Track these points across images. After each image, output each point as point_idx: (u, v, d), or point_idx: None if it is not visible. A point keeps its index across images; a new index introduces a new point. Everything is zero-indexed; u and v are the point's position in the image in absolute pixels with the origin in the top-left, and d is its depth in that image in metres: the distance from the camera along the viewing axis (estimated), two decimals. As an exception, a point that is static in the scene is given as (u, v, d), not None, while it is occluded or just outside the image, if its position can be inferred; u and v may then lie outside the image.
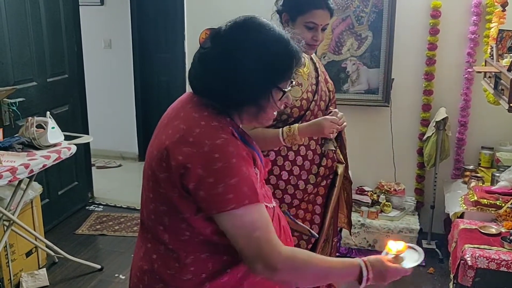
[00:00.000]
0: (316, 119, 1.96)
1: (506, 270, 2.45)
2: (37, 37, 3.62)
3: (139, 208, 4.14)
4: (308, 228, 1.85)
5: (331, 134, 1.95)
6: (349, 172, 2.34)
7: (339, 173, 2.18)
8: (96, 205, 4.46)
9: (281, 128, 1.95)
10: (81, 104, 4.34)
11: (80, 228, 4.00)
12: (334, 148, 2.07)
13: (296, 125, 1.95)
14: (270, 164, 2.06)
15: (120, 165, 5.64)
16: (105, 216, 4.24)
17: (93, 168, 4.85)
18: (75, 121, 4.16)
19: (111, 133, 5.52)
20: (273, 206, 1.36)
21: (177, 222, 1.22)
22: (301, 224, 1.86)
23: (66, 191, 4.13)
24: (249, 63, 1.19)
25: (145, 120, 5.65)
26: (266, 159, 1.42)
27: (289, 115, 2.02)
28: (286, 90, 1.26)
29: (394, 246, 1.31)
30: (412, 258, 1.31)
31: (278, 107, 1.29)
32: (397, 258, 1.30)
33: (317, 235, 1.66)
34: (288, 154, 2.09)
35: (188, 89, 1.34)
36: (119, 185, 4.99)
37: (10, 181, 2.46)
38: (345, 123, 2.05)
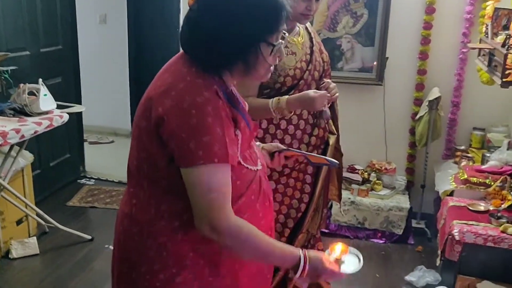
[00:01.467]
0: (306, 93, 1.95)
1: (493, 245, 2.48)
2: (30, 6, 3.59)
3: (131, 183, 3.99)
4: (326, 158, 1.85)
5: (323, 107, 1.95)
6: (340, 144, 2.35)
7: (330, 144, 2.19)
8: (87, 179, 4.46)
9: (270, 99, 1.95)
10: (74, 77, 4.31)
11: (71, 200, 4.00)
12: (328, 116, 2.06)
13: (285, 97, 1.96)
14: (262, 132, 2.08)
15: (112, 141, 5.62)
16: (97, 189, 4.24)
17: (86, 144, 4.85)
18: (68, 93, 4.13)
19: (104, 109, 5.49)
20: (257, 169, 1.37)
21: (154, 170, 1.26)
22: (319, 156, 1.91)
23: (58, 163, 4.13)
24: (232, 17, 1.19)
25: (139, 97, 5.46)
26: (255, 123, 1.42)
27: (282, 84, 2.03)
28: (275, 44, 1.25)
29: (338, 248, 1.32)
30: (352, 264, 1.33)
31: (270, 62, 1.28)
32: (338, 261, 1.31)
33: (337, 163, 1.71)
34: (280, 123, 2.09)
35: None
36: (111, 160, 4.98)
37: (0, 145, 2.45)
38: (337, 94, 2.06)
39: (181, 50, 1.33)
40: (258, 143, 1.57)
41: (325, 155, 2.19)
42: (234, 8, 1.19)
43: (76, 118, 4.26)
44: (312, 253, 1.30)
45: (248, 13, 1.19)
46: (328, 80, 2.10)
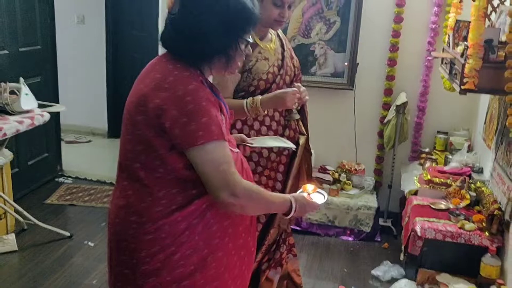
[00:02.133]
0: (278, 91, 2.09)
1: (451, 240, 2.67)
2: (9, 6, 3.64)
3: (109, 181, 4.27)
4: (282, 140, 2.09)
5: (294, 106, 2.09)
6: (310, 145, 2.50)
7: (300, 144, 2.33)
8: (65, 177, 4.52)
9: (245, 100, 2.08)
10: (52, 77, 4.37)
11: (49, 198, 4.06)
12: (298, 117, 2.20)
13: (259, 97, 2.08)
14: (237, 132, 2.21)
15: (90, 141, 5.68)
16: (75, 187, 4.31)
17: (63, 143, 4.88)
18: (47, 93, 4.18)
19: (81, 109, 5.54)
20: (237, 151, 1.57)
21: (152, 160, 1.40)
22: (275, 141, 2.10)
23: (35, 162, 4.18)
24: (216, 21, 1.37)
25: (116, 97, 5.67)
26: (231, 111, 1.62)
27: (256, 87, 2.15)
28: (249, 39, 1.47)
29: (309, 188, 1.66)
30: (320, 198, 1.65)
31: (245, 53, 1.49)
32: (309, 197, 1.63)
33: (293, 146, 2.05)
34: (254, 124, 2.22)
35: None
36: (88, 159, 5.05)
37: (-17, 142, 2.52)
38: (307, 97, 2.20)
39: (161, 52, 1.49)
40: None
41: (295, 155, 2.32)
42: (219, 14, 1.38)
43: (54, 117, 4.30)
44: (296, 194, 1.60)
45: (230, 17, 1.39)
46: (299, 84, 2.24)
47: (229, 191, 1.37)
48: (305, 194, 1.63)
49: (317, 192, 1.67)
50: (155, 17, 4.53)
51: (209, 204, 1.44)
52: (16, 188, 3.63)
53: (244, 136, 1.85)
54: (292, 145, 2.01)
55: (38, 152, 4.23)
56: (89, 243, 3.43)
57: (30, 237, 3.45)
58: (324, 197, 1.66)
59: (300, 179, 2.42)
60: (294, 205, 1.54)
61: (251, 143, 1.80)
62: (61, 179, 4.48)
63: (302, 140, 2.34)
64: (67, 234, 3.46)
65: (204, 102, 1.35)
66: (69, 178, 4.52)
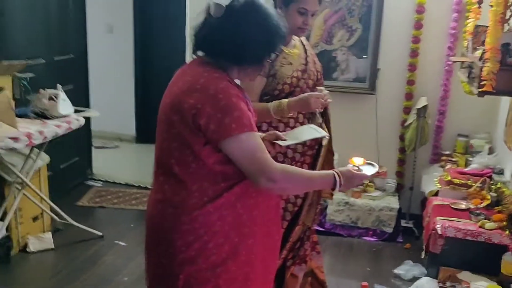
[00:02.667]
0: (303, 95, 2.20)
1: (471, 238, 2.74)
2: (45, 17, 3.85)
3: (137, 185, 4.44)
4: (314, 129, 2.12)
5: (317, 109, 2.20)
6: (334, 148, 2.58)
7: (323, 145, 2.41)
8: (95, 181, 4.70)
9: (271, 103, 2.19)
10: (84, 85, 4.57)
11: (80, 200, 4.24)
12: (320, 121, 2.32)
13: (286, 100, 2.20)
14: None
15: (117, 146, 5.87)
16: (104, 190, 4.48)
17: (92, 148, 5.06)
18: (79, 100, 4.33)
19: (110, 115, 5.65)
20: None
21: (186, 156, 1.53)
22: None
23: (67, 166, 4.36)
24: (261, 35, 1.54)
25: (143, 104, 5.88)
26: (255, 109, 1.73)
27: (280, 91, 2.26)
28: (278, 52, 1.66)
29: (357, 160, 1.71)
30: (370, 170, 1.70)
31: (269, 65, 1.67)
32: (359, 170, 1.68)
33: (326, 133, 2.10)
34: (278, 125, 2.32)
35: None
36: (116, 164, 5.23)
37: (26, 144, 2.70)
38: (329, 100, 2.30)
39: (188, 59, 1.62)
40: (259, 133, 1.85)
41: (319, 155, 2.41)
42: (261, 26, 1.54)
43: (85, 124, 4.48)
44: (341, 168, 1.64)
45: (269, 30, 1.56)
46: (321, 88, 2.33)
47: (265, 176, 1.49)
48: (353, 167, 1.67)
49: (367, 164, 1.72)
50: (182, 25, 4.68)
51: (238, 196, 1.56)
52: (50, 190, 3.79)
53: (278, 132, 1.92)
54: (325, 133, 2.07)
55: (70, 157, 4.41)
56: (120, 242, 3.58)
57: (64, 236, 3.61)
58: (374, 166, 1.70)
59: None
60: (338, 179, 1.59)
61: (284, 139, 1.88)
62: (91, 183, 4.66)
63: (324, 141, 2.42)
64: (99, 233, 3.62)
65: (234, 98, 1.49)
66: (98, 182, 4.70)
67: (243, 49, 1.53)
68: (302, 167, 2.40)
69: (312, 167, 2.42)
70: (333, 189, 1.63)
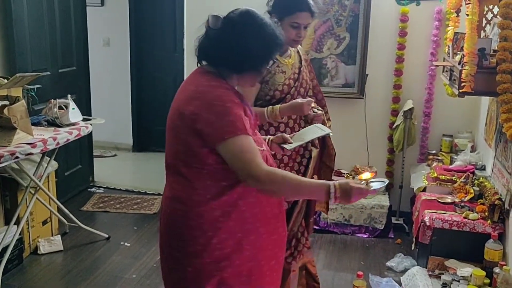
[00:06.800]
0: (296, 100, 2.37)
1: (457, 229, 2.96)
2: (51, 32, 4.05)
3: (137, 191, 4.65)
4: (320, 127, 2.23)
5: (309, 112, 2.38)
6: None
7: (312, 156, 2.55)
8: (97, 187, 4.87)
9: (266, 107, 2.38)
10: (86, 95, 4.75)
11: (85, 206, 4.41)
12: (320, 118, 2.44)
13: (278, 105, 2.37)
14: (264, 133, 2.51)
15: (115, 155, 6.03)
16: (107, 196, 4.65)
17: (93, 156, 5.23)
18: (81, 109, 4.48)
19: (107, 125, 5.80)
20: (264, 149, 1.78)
21: (189, 157, 1.66)
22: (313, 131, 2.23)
23: (71, 173, 4.53)
24: (259, 44, 1.66)
25: (140, 114, 6.07)
26: (255, 113, 1.86)
27: (272, 97, 2.42)
28: (275, 60, 1.81)
29: (364, 176, 1.65)
30: (377, 184, 1.61)
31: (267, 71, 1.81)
32: (367, 183, 1.60)
33: (329, 131, 2.20)
34: (269, 129, 2.48)
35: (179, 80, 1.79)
36: (115, 172, 5.40)
37: (42, 150, 2.88)
38: (321, 117, 2.46)
39: (186, 69, 1.79)
40: (268, 136, 2.03)
41: (308, 166, 2.53)
42: (258, 36, 1.66)
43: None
44: (341, 180, 1.60)
45: (266, 40, 1.67)
46: (310, 99, 2.43)
47: (252, 177, 1.58)
48: (361, 181, 1.60)
49: (375, 180, 1.62)
50: (178, 38, 4.88)
51: (240, 194, 1.67)
52: (56, 196, 3.97)
53: (285, 135, 2.04)
54: (329, 130, 2.18)
55: (74, 164, 4.58)
56: (126, 243, 3.75)
57: (72, 238, 3.79)
58: (383, 182, 1.61)
59: None
60: (333, 191, 1.55)
61: (291, 143, 1.99)
62: (93, 189, 4.83)
63: (314, 153, 2.55)
64: (106, 235, 3.79)
65: (229, 104, 1.59)
66: (100, 188, 4.86)
67: (241, 59, 1.64)
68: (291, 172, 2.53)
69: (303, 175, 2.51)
70: (328, 198, 1.56)
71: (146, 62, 5.99)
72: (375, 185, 1.60)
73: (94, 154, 5.73)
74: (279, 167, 2.40)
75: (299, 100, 2.36)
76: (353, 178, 4.10)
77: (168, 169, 1.78)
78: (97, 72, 5.61)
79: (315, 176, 2.61)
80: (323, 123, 2.49)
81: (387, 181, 1.65)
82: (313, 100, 2.40)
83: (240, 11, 1.70)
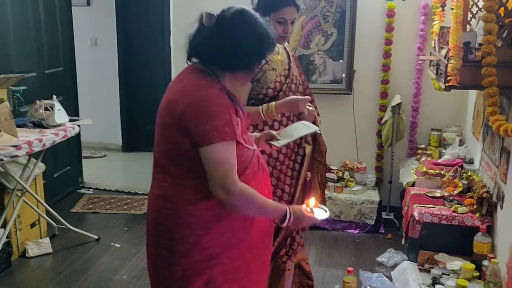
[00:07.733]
0: (291, 97, 2.36)
1: (446, 222, 2.97)
2: (36, 33, 4.01)
3: (127, 191, 4.62)
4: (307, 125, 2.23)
5: (305, 109, 2.37)
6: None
7: (306, 153, 2.55)
8: (86, 189, 4.84)
9: (261, 106, 2.37)
10: (73, 96, 4.72)
11: (74, 207, 4.38)
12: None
13: (273, 102, 2.36)
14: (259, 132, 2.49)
15: (105, 155, 6.00)
16: (96, 197, 4.62)
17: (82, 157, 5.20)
18: (68, 110, 4.47)
19: (96, 126, 5.78)
20: (254, 148, 1.78)
21: (178, 156, 1.64)
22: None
23: (59, 175, 4.50)
24: (251, 43, 1.64)
25: (129, 114, 6.04)
26: (247, 113, 1.86)
27: (264, 95, 2.41)
28: (266, 58, 1.75)
29: (311, 203, 1.75)
30: (321, 214, 1.76)
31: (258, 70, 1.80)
32: (312, 210, 1.75)
33: (317, 128, 2.20)
34: (264, 128, 2.45)
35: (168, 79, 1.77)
36: (105, 172, 5.37)
37: (27, 152, 2.85)
38: (314, 112, 2.46)
39: (174, 69, 1.77)
40: (255, 133, 2.02)
41: (303, 163, 2.53)
42: (251, 34, 1.65)
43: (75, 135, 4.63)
44: (294, 206, 1.75)
45: (258, 38, 1.66)
46: (313, 108, 2.46)
47: (224, 188, 1.58)
48: (307, 208, 1.72)
49: (319, 207, 1.75)
50: (166, 37, 4.84)
51: None
52: (44, 198, 3.93)
53: (272, 131, 2.04)
54: (316, 128, 2.17)
55: (62, 166, 4.55)
56: (116, 244, 3.73)
57: (61, 241, 3.76)
58: (326, 212, 1.74)
59: (312, 189, 2.62)
60: (288, 215, 1.68)
61: (279, 139, 1.99)
62: (82, 190, 4.80)
63: (308, 149, 2.55)
64: (95, 237, 3.76)
65: (217, 107, 1.57)
66: (90, 189, 4.83)
67: (233, 57, 1.62)
68: (286, 171, 2.50)
69: (298, 173, 2.53)
70: (281, 223, 1.69)
71: (134, 61, 5.96)
72: (317, 214, 1.73)
73: (84, 155, 5.73)
74: (274, 165, 2.46)
75: (295, 97, 2.35)
76: (343, 173, 4.12)
77: (157, 167, 1.76)
78: (85, 72, 5.60)
79: (309, 173, 2.61)
80: (315, 119, 2.49)
81: (328, 213, 1.76)
82: (309, 98, 2.39)
83: (235, 10, 1.68)
